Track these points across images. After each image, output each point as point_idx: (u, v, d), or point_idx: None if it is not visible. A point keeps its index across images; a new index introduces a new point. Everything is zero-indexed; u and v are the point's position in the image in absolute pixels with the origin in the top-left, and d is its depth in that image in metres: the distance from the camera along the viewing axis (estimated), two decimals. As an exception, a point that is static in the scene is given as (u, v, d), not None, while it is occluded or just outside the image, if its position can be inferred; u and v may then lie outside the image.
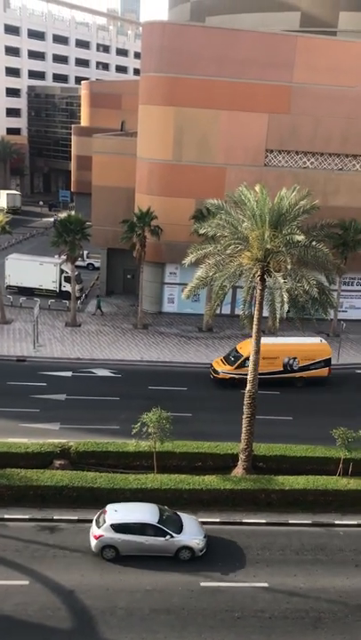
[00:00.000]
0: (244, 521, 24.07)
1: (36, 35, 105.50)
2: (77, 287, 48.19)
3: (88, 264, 60.47)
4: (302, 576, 21.32)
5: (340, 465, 25.99)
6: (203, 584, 20.65)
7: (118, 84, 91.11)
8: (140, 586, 20.37)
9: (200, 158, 44.26)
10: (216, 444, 27.05)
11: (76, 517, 23.55)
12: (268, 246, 23.98)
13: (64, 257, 46.44)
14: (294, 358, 36.95)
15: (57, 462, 25.97)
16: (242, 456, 26.16)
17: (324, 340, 39.15)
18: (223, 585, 20.70)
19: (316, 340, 39.57)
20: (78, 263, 50.87)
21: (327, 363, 37.55)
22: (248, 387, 26.30)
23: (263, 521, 24.11)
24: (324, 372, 37.57)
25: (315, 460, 26.55)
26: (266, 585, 20.76)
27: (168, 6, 72.31)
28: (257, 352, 25.98)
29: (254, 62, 42.70)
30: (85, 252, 57.14)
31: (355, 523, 24.36)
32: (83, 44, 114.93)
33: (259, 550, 22.49)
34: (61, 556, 21.69)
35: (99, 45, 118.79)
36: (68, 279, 49.05)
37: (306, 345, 38.28)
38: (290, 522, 24.16)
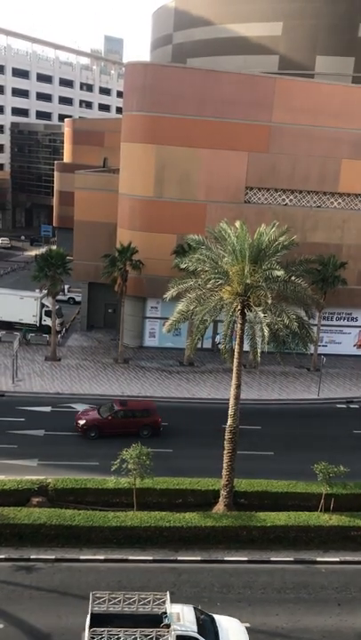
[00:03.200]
0: (225, 559, 23.68)
1: (21, 73, 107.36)
2: (58, 321, 48.02)
3: (69, 298, 60.40)
4: (284, 615, 20.93)
5: (322, 500, 25.83)
6: (183, 625, 20.14)
7: (101, 121, 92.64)
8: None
9: (181, 195, 44.91)
10: (197, 480, 26.74)
11: (54, 557, 22.96)
12: (248, 281, 24.24)
13: (45, 291, 46.37)
14: None
15: (34, 500, 25.43)
16: (223, 492, 25.88)
17: None
18: (204, 626, 20.19)
19: None
20: (59, 297, 50.82)
21: None
22: (229, 421, 26.18)
23: (245, 558, 23.74)
24: None
25: (296, 496, 26.36)
26: (248, 625, 20.25)
27: (150, 48, 74.35)
28: (238, 387, 25.95)
29: (234, 102, 43.81)
30: (67, 287, 57.12)
31: (337, 559, 24.09)
32: (66, 83, 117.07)
33: (240, 589, 22.08)
34: (38, 597, 21.07)
35: (82, 84, 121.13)
36: (48, 313, 48.85)
37: None
38: (272, 559, 23.82)
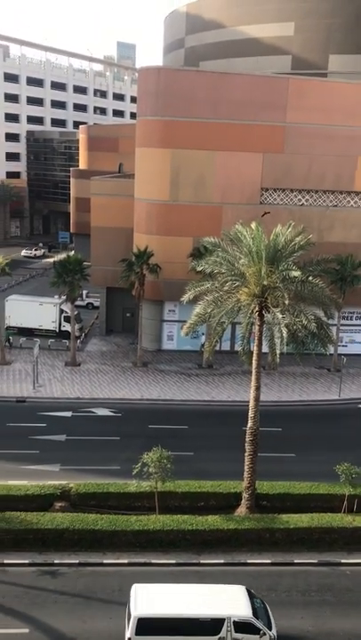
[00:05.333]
0: (248, 561, 23.59)
1: (35, 82, 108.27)
2: (77, 326, 48.30)
3: (87, 303, 60.74)
4: (310, 618, 20.76)
5: (345, 502, 25.62)
6: (208, 629, 20.09)
7: (115, 127, 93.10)
8: (144, 632, 19.81)
9: (196, 198, 44.95)
10: (218, 482, 26.69)
11: (78, 561, 23.07)
12: (265, 282, 24.17)
13: (64, 297, 46.71)
14: None
15: (57, 504, 25.59)
16: (245, 495, 25.79)
17: None
18: (229, 629, 20.12)
19: None
20: (78, 303, 51.08)
21: None
22: (249, 423, 26.10)
23: (268, 561, 23.63)
24: None
25: (319, 498, 26.18)
26: (272, 628, 20.17)
27: (163, 53, 74.63)
28: (257, 388, 25.87)
29: (248, 104, 43.78)
30: (85, 292, 57.49)
31: (362, 561, 23.87)
32: (80, 90, 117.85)
33: (264, 592, 21.92)
34: (62, 601, 21.17)
35: (96, 91, 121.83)
36: (67, 319, 49.21)
37: None
38: (295, 561, 23.68)
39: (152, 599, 18.83)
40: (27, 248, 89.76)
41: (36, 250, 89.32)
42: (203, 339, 46.69)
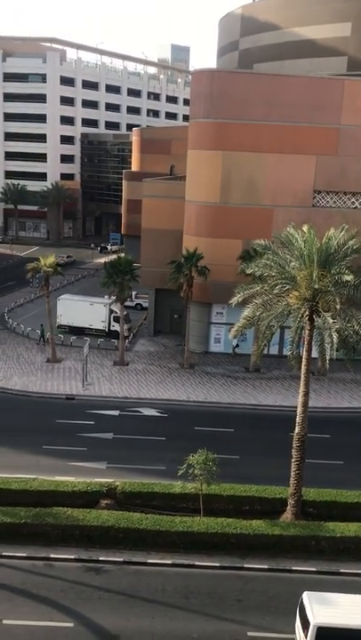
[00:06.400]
0: (293, 568, 23.30)
1: (90, 85, 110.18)
2: (126, 327, 48.83)
3: (136, 304, 61.31)
4: (355, 630, 20.31)
5: (394, 512, 24.99)
6: (250, 633, 19.97)
7: (168, 130, 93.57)
8: (187, 633, 19.85)
9: (247, 200, 44.75)
10: (264, 487, 26.46)
11: (122, 559, 23.29)
12: (317, 286, 23.84)
13: (113, 297, 47.33)
14: None
15: (103, 502, 25.90)
16: (291, 501, 25.49)
17: None
18: (271, 635, 19.94)
19: None
20: (127, 303, 51.63)
21: None
22: (297, 429, 25.79)
23: (313, 569, 23.27)
24: None
25: (367, 507, 25.62)
26: (316, 637, 19.86)
27: (217, 55, 74.55)
28: (306, 394, 25.54)
29: (302, 106, 43.32)
30: (134, 293, 58.06)
31: None
32: (134, 93, 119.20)
33: (309, 600, 21.60)
34: (107, 598, 21.41)
35: (149, 93, 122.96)
36: (116, 319, 49.81)
37: None
38: (341, 571, 23.23)
39: (329, 608, 18.85)
40: (103, 243, 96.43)
41: (111, 245, 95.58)
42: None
